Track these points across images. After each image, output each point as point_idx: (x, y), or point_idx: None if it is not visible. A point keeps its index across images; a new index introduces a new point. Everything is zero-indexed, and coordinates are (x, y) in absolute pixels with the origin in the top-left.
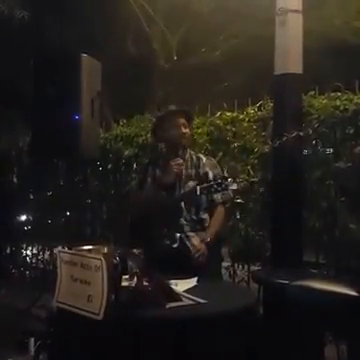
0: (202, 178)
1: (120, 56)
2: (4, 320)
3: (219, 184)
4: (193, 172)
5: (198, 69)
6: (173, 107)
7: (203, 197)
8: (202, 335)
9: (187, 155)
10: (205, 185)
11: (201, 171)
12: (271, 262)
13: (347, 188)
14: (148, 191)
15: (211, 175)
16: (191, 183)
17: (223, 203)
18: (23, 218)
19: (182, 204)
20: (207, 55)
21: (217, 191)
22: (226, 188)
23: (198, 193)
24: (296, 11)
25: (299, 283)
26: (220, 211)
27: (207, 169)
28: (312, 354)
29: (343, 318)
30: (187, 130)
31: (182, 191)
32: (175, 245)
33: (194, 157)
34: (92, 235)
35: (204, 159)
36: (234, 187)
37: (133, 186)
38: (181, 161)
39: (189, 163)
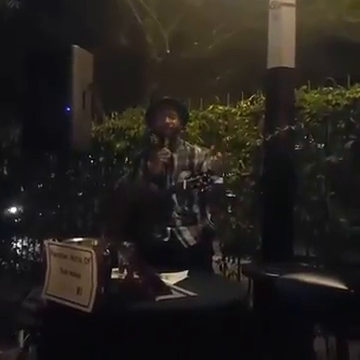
0: (196, 168)
1: (112, 48)
2: None
3: (205, 178)
4: (186, 162)
5: (191, 62)
6: (163, 98)
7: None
8: (192, 328)
9: (180, 146)
10: (191, 179)
11: (195, 161)
12: (262, 256)
13: (338, 182)
14: (139, 183)
15: (206, 165)
16: (184, 173)
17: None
18: (13, 210)
19: (174, 197)
20: (200, 49)
21: (203, 185)
22: (211, 182)
23: (184, 187)
24: (289, 5)
25: (289, 276)
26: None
27: (202, 159)
28: (301, 347)
29: (333, 312)
30: (173, 120)
31: (174, 182)
32: (166, 239)
33: (188, 148)
34: (83, 228)
35: (199, 150)
36: (220, 181)
37: (125, 179)
38: (167, 151)
39: (182, 154)
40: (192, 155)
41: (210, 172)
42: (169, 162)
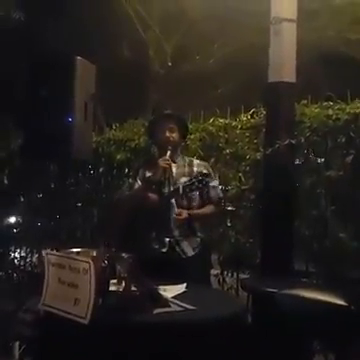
0: (196, 176)
1: (115, 60)
2: None
3: (200, 181)
4: (185, 170)
5: (192, 76)
6: (164, 112)
7: (195, 201)
8: (189, 342)
9: (179, 158)
10: (187, 183)
11: (195, 169)
12: (261, 270)
13: (338, 197)
14: (138, 194)
15: (210, 175)
16: (183, 179)
17: (217, 202)
18: (12, 220)
19: (173, 207)
20: (202, 62)
21: (198, 188)
22: (206, 184)
23: (181, 192)
24: (290, 20)
25: (288, 292)
26: (212, 207)
27: (201, 169)
28: None
29: (332, 328)
30: (173, 134)
31: (173, 188)
32: (164, 250)
33: (187, 159)
34: (82, 238)
35: (197, 161)
36: (215, 183)
37: (124, 189)
38: (167, 157)
39: (181, 163)
40: (191, 164)
41: (205, 175)
42: (168, 170)
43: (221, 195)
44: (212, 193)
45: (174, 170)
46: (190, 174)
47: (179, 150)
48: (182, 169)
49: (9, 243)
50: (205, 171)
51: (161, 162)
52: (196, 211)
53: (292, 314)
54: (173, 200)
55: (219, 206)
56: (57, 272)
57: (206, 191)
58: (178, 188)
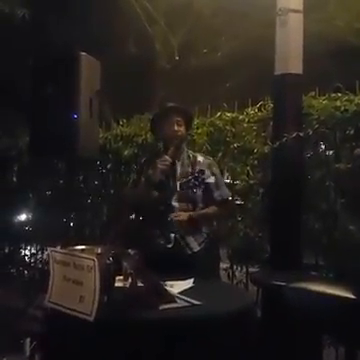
0: (192, 173)
1: (121, 55)
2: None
3: (196, 178)
4: (189, 171)
5: (199, 70)
6: (169, 104)
7: (199, 197)
8: (195, 337)
9: (183, 154)
10: (184, 180)
11: (197, 169)
12: (270, 264)
13: (347, 189)
14: (140, 190)
15: (207, 173)
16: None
17: (221, 203)
18: (22, 218)
19: (176, 204)
20: (209, 56)
21: (196, 185)
22: (203, 181)
23: (178, 189)
24: (297, 11)
25: (298, 285)
26: (216, 208)
27: (203, 168)
28: (310, 358)
29: (342, 321)
30: (181, 128)
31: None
32: (170, 245)
33: (191, 156)
34: (90, 235)
35: (201, 158)
36: (211, 180)
37: (129, 186)
38: (166, 158)
39: (185, 162)
40: (194, 163)
41: (201, 172)
42: (171, 170)
43: (226, 196)
44: (215, 193)
45: (178, 169)
46: (192, 175)
47: (184, 145)
48: (186, 169)
49: (20, 240)
50: (207, 171)
51: (159, 164)
52: (197, 212)
53: (301, 308)
54: (175, 202)
55: (223, 207)
56: (62, 269)
57: (205, 189)
58: (176, 186)
